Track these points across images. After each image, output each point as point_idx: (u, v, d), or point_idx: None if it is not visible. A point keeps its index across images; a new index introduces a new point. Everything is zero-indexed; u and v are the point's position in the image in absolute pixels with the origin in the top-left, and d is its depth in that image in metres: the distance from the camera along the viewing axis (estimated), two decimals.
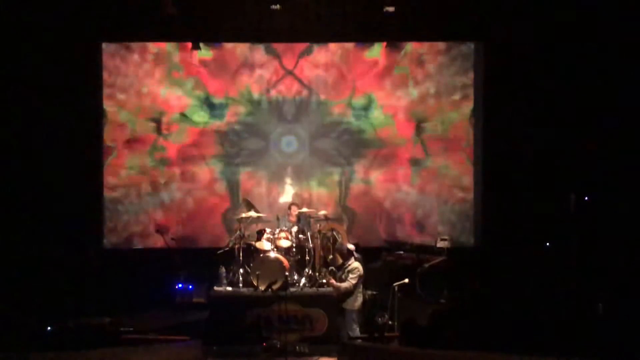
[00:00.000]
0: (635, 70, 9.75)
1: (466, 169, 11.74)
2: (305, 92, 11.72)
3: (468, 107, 11.71)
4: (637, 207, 9.58)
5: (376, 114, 11.75)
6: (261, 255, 9.78)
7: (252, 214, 10.26)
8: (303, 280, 10.03)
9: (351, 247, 9.35)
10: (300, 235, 10.21)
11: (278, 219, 10.63)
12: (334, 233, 10.32)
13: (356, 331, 9.01)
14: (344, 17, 10.93)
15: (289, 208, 10.62)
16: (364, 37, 11.50)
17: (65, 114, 10.92)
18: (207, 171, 11.70)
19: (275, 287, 8.94)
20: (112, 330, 7.90)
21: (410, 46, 11.68)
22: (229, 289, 10.02)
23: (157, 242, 10.81)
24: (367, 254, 10.23)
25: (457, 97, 11.71)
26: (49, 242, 10.36)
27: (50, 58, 10.81)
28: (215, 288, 10.07)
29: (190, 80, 11.61)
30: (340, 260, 10.14)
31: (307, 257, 10.12)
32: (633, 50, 9.77)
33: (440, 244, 10.62)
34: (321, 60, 11.69)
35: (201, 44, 11.32)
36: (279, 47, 11.66)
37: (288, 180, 11.71)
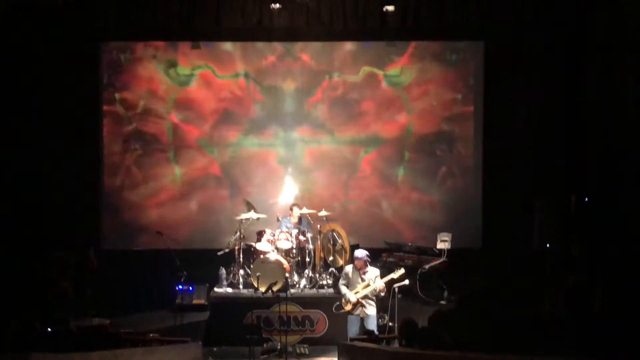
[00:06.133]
0: (635, 69, 9.73)
1: (466, 168, 11.72)
2: (309, 90, 11.71)
3: (468, 107, 11.70)
4: (637, 207, 9.56)
5: (376, 114, 11.74)
6: (261, 256, 9.80)
7: (252, 214, 10.27)
8: (303, 282, 10.06)
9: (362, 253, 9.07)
10: (301, 237, 10.22)
11: (278, 219, 10.63)
12: (334, 234, 10.33)
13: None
14: (344, 17, 10.92)
15: (291, 209, 10.63)
16: (364, 37, 11.50)
17: (65, 114, 10.92)
18: (206, 171, 11.68)
19: (275, 288, 8.95)
20: (113, 331, 7.89)
21: (410, 46, 11.68)
22: (229, 290, 10.05)
23: (157, 243, 10.77)
24: None
25: (457, 96, 11.70)
26: (48, 242, 10.36)
27: (50, 58, 10.81)
28: (216, 289, 10.10)
29: (190, 79, 11.60)
30: (341, 262, 10.14)
31: (308, 259, 10.14)
32: (633, 49, 9.75)
33: (440, 245, 10.60)
34: (324, 57, 11.69)
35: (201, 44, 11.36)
36: (280, 46, 11.66)
37: (289, 181, 11.68)
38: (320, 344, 9.47)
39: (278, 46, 11.64)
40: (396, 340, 7.87)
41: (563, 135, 11.01)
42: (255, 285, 9.48)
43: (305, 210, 10.49)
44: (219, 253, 10.35)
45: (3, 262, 9.95)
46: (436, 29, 11.21)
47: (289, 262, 9.93)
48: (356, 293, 8.72)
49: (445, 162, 11.73)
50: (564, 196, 10.25)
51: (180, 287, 9.89)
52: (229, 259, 10.37)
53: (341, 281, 8.97)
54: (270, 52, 11.66)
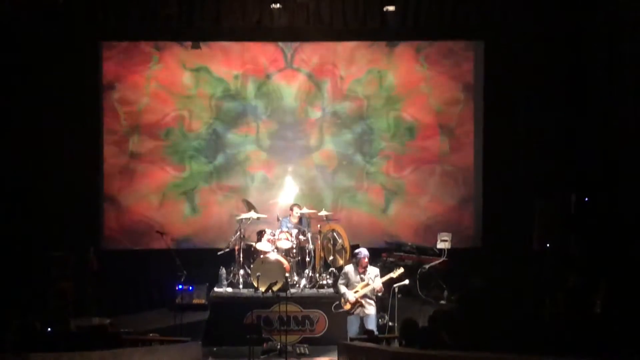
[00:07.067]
0: (635, 68, 9.73)
1: (466, 168, 11.72)
2: (309, 90, 11.71)
3: (468, 107, 11.69)
4: (637, 207, 9.57)
5: (377, 115, 11.74)
6: (261, 256, 9.80)
7: (253, 214, 10.27)
8: (303, 282, 10.06)
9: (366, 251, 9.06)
10: (301, 237, 10.23)
11: (279, 219, 10.63)
12: (334, 234, 10.33)
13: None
14: (344, 17, 10.93)
15: (291, 209, 10.62)
16: (364, 37, 11.50)
17: (65, 114, 10.91)
18: (206, 171, 11.68)
19: (275, 288, 8.95)
20: (113, 331, 7.90)
21: (410, 45, 11.67)
22: (229, 290, 10.05)
23: (157, 243, 10.80)
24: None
25: (457, 96, 11.69)
26: (48, 242, 10.36)
27: (50, 57, 10.80)
28: (216, 289, 10.09)
29: (190, 79, 11.60)
30: (341, 262, 10.14)
31: (308, 259, 10.14)
32: (633, 48, 9.76)
33: (440, 245, 10.60)
34: (327, 57, 11.69)
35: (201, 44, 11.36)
36: (280, 46, 11.65)
37: (289, 181, 11.67)
38: (320, 343, 9.47)
39: (278, 46, 11.64)
40: (396, 340, 7.88)
41: (563, 135, 11.01)
42: (255, 285, 9.48)
43: (305, 210, 10.49)
44: (219, 253, 10.36)
45: (4, 262, 9.96)
46: (436, 29, 11.21)
47: (289, 262, 9.93)
48: (355, 292, 8.72)
49: (445, 162, 11.72)
50: (564, 196, 10.26)
51: (180, 286, 9.89)
52: (229, 259, 10.37)
53: (340, 281, 8.96)
54: (270, 52, 11.65)
